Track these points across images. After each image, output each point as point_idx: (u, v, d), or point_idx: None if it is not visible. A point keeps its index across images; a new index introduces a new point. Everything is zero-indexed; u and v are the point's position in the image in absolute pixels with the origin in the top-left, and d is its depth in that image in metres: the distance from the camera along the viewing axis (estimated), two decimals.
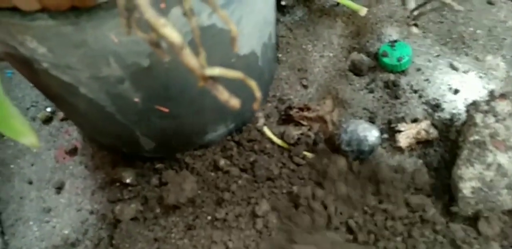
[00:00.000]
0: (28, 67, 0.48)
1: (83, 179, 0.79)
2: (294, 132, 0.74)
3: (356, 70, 0.81)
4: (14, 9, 0.38)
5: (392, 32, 0.85)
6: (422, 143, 0.72)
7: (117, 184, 0.75)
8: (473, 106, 0.68)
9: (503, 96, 0.68)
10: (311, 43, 0.86)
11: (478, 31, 0.83)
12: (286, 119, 0.77)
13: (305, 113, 0.75)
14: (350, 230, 0.63)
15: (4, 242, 0.75)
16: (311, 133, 0.74)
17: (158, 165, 0.74)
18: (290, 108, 0.77)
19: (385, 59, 0.79)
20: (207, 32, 0.48)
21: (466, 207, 0.61)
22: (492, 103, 0.67)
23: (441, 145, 0.71)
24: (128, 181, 0.74)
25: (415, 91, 0.78)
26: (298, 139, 0.74)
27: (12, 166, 0.83)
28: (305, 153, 0.71)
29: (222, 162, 0.71)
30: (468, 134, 0.65)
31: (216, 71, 0.26)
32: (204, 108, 0.62)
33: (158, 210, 0.70)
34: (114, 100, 0.53)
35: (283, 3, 0.87)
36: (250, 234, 0.64)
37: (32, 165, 0.82)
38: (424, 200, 0.65)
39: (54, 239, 0.74)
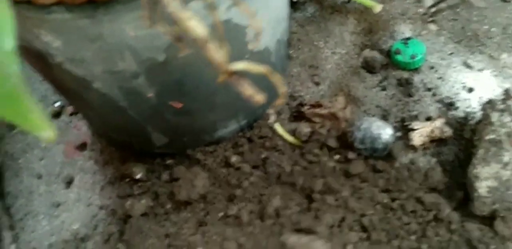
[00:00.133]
0: (41, 61, 0.47)
1: (92, 174, 0.78)
2: (305, 129, 0.74)
3: (368, 67, 0.80)
4: (30, 2, 0.38)
5: (405, 30, 0.84)
6: (436, 142, 0.71)
7: (127, 179, 0.75)
8: (489, 104, 0.67)
9: None
10: (323, 40, 0.85)
11: (493, 29, 0.82)
12: (298, 116, 0.76)
13: (317, 110, 0.74)
14: (363, 228, 0.63)
15: (14, 236, 0.75)
16: (323, 130, 0.73)
17: (169, 161, 0.73)
18: (301, 105, 0.77)
19: (398, 57, 0.78)
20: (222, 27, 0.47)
21: (482, 207, 0.61)
22: (508, 102, 0.66)
23: (455, 144, 0.70)
24: (138, 176, 0.73)
25: (429, 89, 0.77)
26: (310, 136, 0.73)
27: (20, 160, 0.82)
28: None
29: (233, 158, 0.70)
30: (484, 133, 0.64)
31: (241, 65, 0.25)
32: (217, 104, 0.62)
33: (169, 206, 0.69)
34: (128, 95, 0.53)
35: None
36: (262, 231, 0.63)
37: (41, 159, 0.82)
38: (438, 199, 0.64)
39: (64, 233, 0.74)
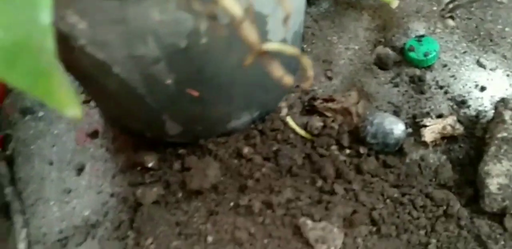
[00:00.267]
0: (63, 44, 0.47)
1: (104, 162, 0.79)
2: (317, 123, 0.74)
3: (381, 64, 0.81)
4: None
5: (419, 27, 0.84)
6: (447, 139, 0.71)
7: (139, 168, 0.75)
8: (502, 103, 0.67)
9: None
10: (337, 35, 0.85)
11: (507, 29, 0.82)
12: (310, 110, 0.77)
13: (330, 104, 0.75)
14: (373, 221, 0.63)
15: (25, 221, 0.76)
16: (335, 125, 0.74)
17: (181, 151, 0.74)
18: (314, 99, 0.77)
19: (412, 54, 0.78)
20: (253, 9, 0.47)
21: (492, 203, 0.61)
22: None
23: (466, 142, 0.71)
24: (150, 165, 0.74)
25: (441, 87, 0.77)
26: (322, 130, 0.73)
27: (32, 146, 0.83)
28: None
29: (245, 150, 0.71)
30: (496, 131, 0.64)
31: (274, 45, 0.25)
32: (232, 94, 0.62)
33: (180, 195, 0.70)
34: (147, 81, 0.53)
35: None
36: (273, 221, 0.64)
37: (53, 146, 0.82)
38: (448, 195, 0.65)
39: (75, 219, 0.74)
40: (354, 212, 0.64)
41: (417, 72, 0.79)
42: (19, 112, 0.86)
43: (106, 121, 0.82)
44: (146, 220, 0.68)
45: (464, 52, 0.81)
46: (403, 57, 0.81)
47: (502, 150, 0.62)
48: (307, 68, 0.29)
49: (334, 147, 0.71)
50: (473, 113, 0.73)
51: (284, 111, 0.77)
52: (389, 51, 0.81)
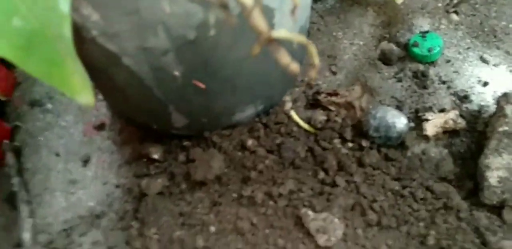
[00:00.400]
0: (75, 35, 0.49)
1: (110, 154, 0.80)
2: (321, 117, 0.75)
3: (385, 59, 0.82)
4: None
5: (423, 23, 0.85)
6: (449, 133, 0.72)
7: (144, 159, 0.77)
8: (504, 97, 0.68)
9: None
10: (342, 31, 0.86)
11: (511, 25, 0.83)
12: (314, 103, 0.78)
13: (334, 98, 0.76)
14: (374, 213, 0.64)
15: (31, 211, 0.77)
16: (338, 119, 0.75)
17: (186, 143, 0.75)
18: (318, 93, 0.78)
19: (416, 49, 0.79)
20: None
21: (491, 196, 0.62)
22: None
23: (467, 136, 0.72)
24: (155, 156, 0.75)
25: (444, 82, 0.78)
26: (325, 124, 0.74)
27: (40, 138, 0.84)
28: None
29: (249, 142, 0.72)
30: (497, 125, 0.65)
31: (282, 33, 0.26)
32: (238, 87, 0.63)
33: (184, 186, 0.71)
34: (155, 73, 0.54)
35: None
36: (275, 212, 0.65)
37: (60, 138, 0.83)
38: (448, 187, 0.65)
39: (80, 210, 0.76)
40: (355, 203, 0.65)
41: (421, 67, 0.80)
42: (27, 104, 0.87)
43: (113, 114, 0.83)
44: (150, 211, 0.70)
45: (468, 48, 0.82)
46: (407, 52, 0.81)
47: (503, 144, 0.63)
48: (313, 57, 0.30)
49: (337, 141, 0.72)
50: (476, 108, 0.74)
51: (288, 105, 0.78)
52: (393, 46, 0.82)
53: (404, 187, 0.67)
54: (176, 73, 0.54)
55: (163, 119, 0.70)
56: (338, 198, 0.65)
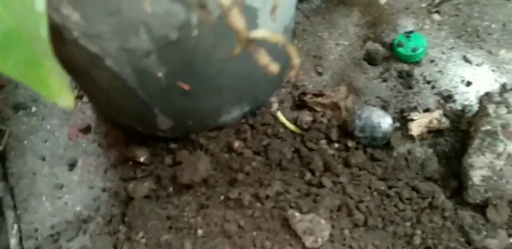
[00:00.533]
0: (56, 36, 0.48)
1: (96, 157, 0.79)
2: (307, 117, 0.75)
3: (370, 59, 0.82)
4: None
5: (407, 23, 0.85)
6: (434, 133, 0.73)
7: (130, 162, 0.76)
8: (486, 97, 0.69)
9: None
10: (327, 31, 0.87)
11: (493, 26, 0.84)
12: (300, 104, 0.78)
13: (319, 99, 0.76)
14: (360, 213, 0.64)
15: (17, 217, 0.76)
16: (324, 119, 0.75)
17: (172, 145, 0.75)
18: (304, 93, 0.78)
19: (400, 49, 0.80)
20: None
21: (475, 195, 0.62)
22: (505, 95, 0.67)
23: (451, 135, 0.72)
24: (141, 159, 0.75)
25: (428, 82, 0.79)
26: (311, 124, 0.75)
27: (25, 142, 0.83)
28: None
29: (236, 144, 0.72)
30: (480, 124, 0.66)
31: (261, 33, 0.26)
32: (223, 88, 0.63)
33: (171, 189, 0.71)
34: (138, 74, 0.54)
35: None
36: (262, 214, 0.65)
37: (46, 141, 0.83)
38: (433, 187, 0.66)
39: (67, 215, 0.75)
40: (342, 204, 0.65)
41: (406, 67, 0.80)
42: (12, 107, 0.87)
43: (99, 116, 0.83)
44: (137, 215, 0.69)
45: (451, 48, 0.82)
46: (392, 52, 0.82)
47: (486, 143, 0.63)
48: (293, 56, 0.30)
49: (323, 141, 0.72)
50: (459, 108, 0.75)
51: (275, 106, 0.78)
52: (378, 46, 0.82)
53: (390, 187, 0.67)
54: (160, 74, 0.54)
55: (148, 121, 0.70)
56: (324, 199, 0.65)
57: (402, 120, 0.74)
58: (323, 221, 0.61)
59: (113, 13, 0.42)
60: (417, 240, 0.61)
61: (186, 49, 0.50)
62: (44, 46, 0.30)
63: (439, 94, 0.77)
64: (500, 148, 0.63)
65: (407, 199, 0.66)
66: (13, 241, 0.74)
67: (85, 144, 0.81)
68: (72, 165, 0.79)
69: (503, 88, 0.74)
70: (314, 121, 0.75)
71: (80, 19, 0.43)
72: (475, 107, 0.73)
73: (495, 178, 0.62)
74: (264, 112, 0.77)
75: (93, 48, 0.48)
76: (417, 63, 0.81)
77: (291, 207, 0.65)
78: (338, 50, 0.84)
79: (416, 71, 0.80)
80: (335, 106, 0.75)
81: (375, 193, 0.67)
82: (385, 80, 0.79)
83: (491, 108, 0.66)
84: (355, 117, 0.71)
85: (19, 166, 0.81)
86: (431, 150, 0.72)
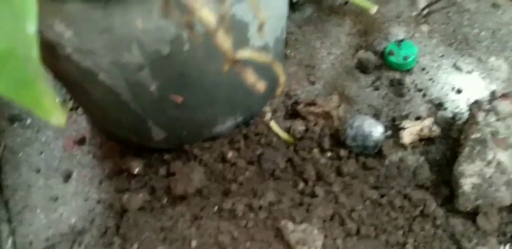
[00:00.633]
0: (50, 52, 0.49)
1: (90, 169, 0.80)
2: (300, 126, 0.76)
3: (362, 67, 0.83)
4: None
5: (399, 32, 0.86)
6: (425, 140, 0.73)
7: (125, 174, 0.76)
8: (476, 105, 0.69)
9: (504, 96, 0.70)
10: (319, 40, 0.88)
11: (483, 33, 0.85)
12: (293, 114, 0.79)
13: (312, 108, 0.77)
14: (353, 222, 0.65)
15: (11, 229, 0.76)
16: (316, 128, 0.75)
17: (166, 156, 0.75)
18: (297, 103, 0.79)
19: (392, 58, 0.81)
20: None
21: (466, 203, 0.63)
22: (494, 103, 0.68)
23: (443, 143, 0.73)
24: (136, 171, 0.75)
25: (419, 90, 0.80)
26: (304, 133, 0.75)
27: (20, 154, 0.84)
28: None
29: (229, 154, 0.72)
30: (469, 132, 0.67)
31: (246, 53, 0.27)
32: (216, 99, 0.64)
33: (165, 200, 0.71)
34: (131, 88, 0.55)
35: (294, 0, 0.89)
36: (255, 224, 0.65)
37: (40, 153, 0.83)
38: (425, 195, 0.67)
39: (61, 227, 0.75)
40: (334, 213, 0.65)
41: (397, 75, 0.81)
42: (7, 119, 0.87)
43: (93, 128, 0.83)
44: (132, 226, 0.69)
45: (442, 56, 0.83)
46: (384, 61, 0.83)
47: (475, 151, 0.64)
48: (280, 74, 0.30)
49: (315, 150, 0.73)
50: (450, 115, 0.76)
51: (268, 115, 0.79)
52: (370, 55, 0.83)
53: (382, 196, 0.68)
54: (153, 87, 0.54)
55: (142, 133, 0.70)
56: (317, 209, 0.65)
57: (394, 128, 0.75)
58: (316, 231, 0.62)
59: (105, 30, 0.43)
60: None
61: (178, 62, 0.51)
62: (36, 67, 0.30)
63: (430, 102, 0.78)
64: (490, 156, 0.64)
65: (399, 207, 0.66)
66: None
67: (80, 155, 0.81)
68: (67, 177, 0.80)
69: (493, 95, 0.75)
70: (307, 130, 0.76)
71: (72, 36, 0.44)
72: (466, 115, 0.74)
73: (485, 185, 0.63)
74: (257, 122, 0.77)
75: (86, 63, 0.49)
76: (409, 71, 0.82)
77: (284, 217, 0.66)
78: (330, 59, 0.85)
79: (408, 79, 0.81)
80: (327, 115, 0.76)
81: (367, 202, 0.68)
82: (376, 89, 0.80)
83: (480, 116, 0.67)
84: (347, 126, 0.71)
85: (14, 178, 0.81)
86: (422, 158, 0.72)
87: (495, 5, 0.87)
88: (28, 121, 0.87)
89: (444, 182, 0.68)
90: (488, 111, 0.67)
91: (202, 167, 0.72)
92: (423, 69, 0.82)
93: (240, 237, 0.65)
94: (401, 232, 0.64)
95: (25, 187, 0.80)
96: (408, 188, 0.68)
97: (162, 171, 0.74)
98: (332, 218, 0.65)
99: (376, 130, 0.70)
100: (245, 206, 0.67)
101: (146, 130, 0.68)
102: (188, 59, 0.51)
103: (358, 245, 0.63)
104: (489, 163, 0.63)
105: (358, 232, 0.64)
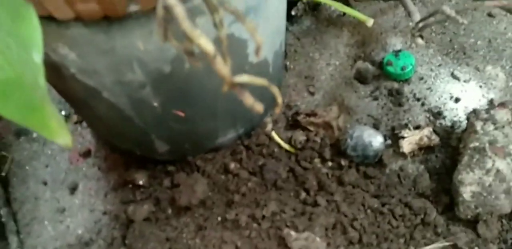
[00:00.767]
0: (55, 72, 0.51)
1: (96, 181, 0.81)
2: (301, 137, 0.77)
3: (361, 78, 0.84)
4: (50, 18, 0.41)
5: (396, 42, 0.88)
6: (424, 149, 0.75)
7: (130, 185, 0.78)
8: (474, 114, 0.70)
9: (502, 105, 0.72)
10: (318, 52, 0.89)
11: (479, 42, 0.86)
12: (294, 124, 0.80)
13: (312, 119, 0.78)
14: (355, 231, 0.66)
15: (20, 241, 0.78)
16: (317, 138, 0.77)
17: (170, 168, 0.77)
18: (297, 114, 0.80)
19: (390, 68, 0.82)
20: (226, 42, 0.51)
21: (466, 211, 0.64)
22: (492, 112, 0.69)
23: (442, 151, 0.74)
24: (140, 182, 0.76)
25: (418, 99, 0.81)
26: (305, 144, 0.77)
27: (27, 167, 0.85)
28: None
29: (232, 165, 0.74)
30: (468, 141, 0.68)
31: (244, 78, 0.28)
32: (217, 113, 0.65)
33: (170, 211, 0.72)
34: (134, 104, 0.56)
35: (292, 13, 0.91)
36: (259, 234, 0.67)
37: (47, 166, 0.85)
38: (425, 203, 0.67)
39: (68, 238, 0.76)
40: (336, 222, 0.67)
41: (395, 85, 0.83)
42: (13, 134, 0.89)
43: (98, 141, 0.85)
44: (138, 237, 0.71)
45: (439, 65, 0.85)
46: (382, 71, 0.84)
47: (475, 160, 0.65)
48: (276, 95, 0.32)
49: (317, 160, 0.74)
50: (449, 124, 0.77)
51: (269, 126, 0.80)
52: (368, 65, 0.85)
53: (383, 204, 0.69)
54: (155, 104, 0.56)
55: (146, 146, 0.72)
56: (319, 218, 0.67)
57: (394, 138, 0.76)
58: (318, 239, 0.63)
59: (107, 52, 0.44)
60: None
61: (180, 80, 0.53)
62: (43, 93, 0.32)
63: (428, 111, 0.79)
64: (489, 165, 0.65)
65: (400, 216, 0.67)
66: None
67: (86, 168, 0.83)
68: (73, 189, 0.81)
69: (491, 104, 0.76)
70: (307, 140, 0.77)
71: (76, 58, 0.45)
72: (464, 123, 0.75)
73: (484, 194, 0.64)
74: (259, 133, 0.79)
75: (90, 82, 0.51)
76: (407, 80, 0.83)
77: (287, 226, 0.67)
78: (329, 70, 0.87)
79: (406, 89, 0.82)
80: (327, 126, 0.77)
81: (368, 211, 0.69)
82: (375, 99, 0.82)
83: (478, 125, 0.68)
84: (347, 136, 0.73)
85: (22, 191, 0.83)
86: (422, 167, 0.73)
87: (490, 15, 0.89)
88: (34, 135, 0.89)
89: (444, 191, 0.69)
90: (486, 120, 0.68)
91: (205, 179, 0.73)
92: (421, 78, 0.83)
93: (244, 247, 0.66)
94: (402, 240, 0.65)
95: (32, 199, 0.82)
96: (409, 197, 0.69)
97: (166, 182, 0.75)
98: (334, 226, 0.66)
99: (376, 140, 0.71)
100: (248, 216, 0.68)
101: (150, 143, 0.69)
102: (189, 76, 0.53)
103: None
104: (488, 171, 0.64)
105: (360, 240, 0.65)
